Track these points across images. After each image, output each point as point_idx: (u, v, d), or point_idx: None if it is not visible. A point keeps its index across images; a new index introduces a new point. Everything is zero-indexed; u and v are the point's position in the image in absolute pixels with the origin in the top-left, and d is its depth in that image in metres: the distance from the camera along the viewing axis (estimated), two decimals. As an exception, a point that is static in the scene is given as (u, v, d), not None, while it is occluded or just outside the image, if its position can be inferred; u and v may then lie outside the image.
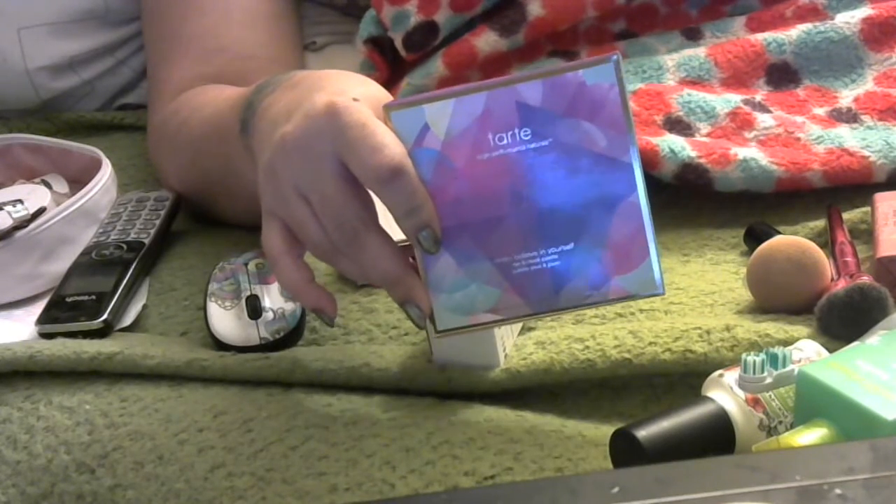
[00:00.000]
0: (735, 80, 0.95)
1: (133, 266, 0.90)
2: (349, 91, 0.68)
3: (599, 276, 0.66)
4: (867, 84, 0.95)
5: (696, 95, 0.93)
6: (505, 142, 0.65)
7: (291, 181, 0.67)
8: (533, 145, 0.65)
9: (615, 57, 0.65)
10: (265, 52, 1.02)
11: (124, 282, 0.88)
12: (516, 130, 0.65)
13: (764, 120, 0.92)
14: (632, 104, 0.92)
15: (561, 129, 0.65)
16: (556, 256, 0.66)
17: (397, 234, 0.68)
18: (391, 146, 0.64)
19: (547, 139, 0.65)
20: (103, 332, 0.84)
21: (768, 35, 0.96)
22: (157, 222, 0.95)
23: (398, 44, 0.98)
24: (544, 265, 0.66)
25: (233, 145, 0.80)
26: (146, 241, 0.92)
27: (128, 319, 0.87)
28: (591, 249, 0.65)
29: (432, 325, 0.68)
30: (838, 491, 0.53)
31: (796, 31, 0.96)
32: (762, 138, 0.91)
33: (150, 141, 1.03)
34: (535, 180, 0.65)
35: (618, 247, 0.65)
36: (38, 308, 0.88)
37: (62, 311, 0.86)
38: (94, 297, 0.86)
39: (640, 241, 0.65)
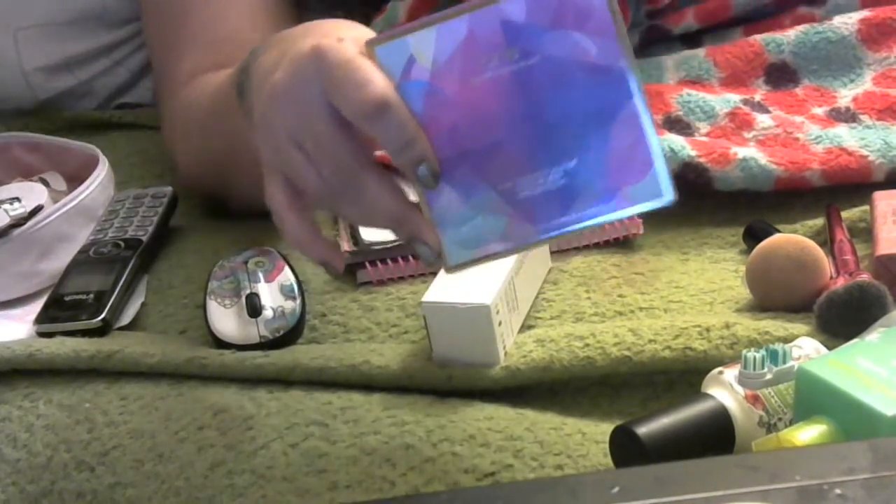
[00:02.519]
0: (734, 79, 0.96)
1: (131, 264, 0.89)
2: (335, 33, 0.66)
3: (606, 190, 0.63)
4: (866, 84, 0.95)
5: (696, 95, 0.93)
6: (494, 63, 0.63)
7: (285, 129, 0.65)
8: (522, 63, 0.63)
9: None
10: None
11: (122, 280, 0.88)
12: (504, 50, 0.63)
13: (763, 120, 0.92)
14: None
15: (549, 42, 0.62)
16: (559, 175, 0.63)
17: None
18: (375, 81, 0.62)
19: (536, 55, 0.62)
20: (102, 331, 0.84)
21: (767, 35, 0.97)
22: (155, 219, 0.94)
23: None
24: (548, 186, 0.63)
25: (236, 116, 0.78)
26: (144, 239, 0.92)
27: (126, 318, 0.87)
28: (594, 164, 0.63)
29: (442, 262, 0.65)
30: (838, 491, 0.53)
31: (794, 32, 0.97)
32: (761, 138, 0.91)
33: (165, 135, 1.01)
34: (529, 99, 0.63)
35: (621, 158, 0.62)
36: (36, 306, 0.88)
37: (61, 310, 0.86)
38: (92, 295, 0.86)
39: (643, 150, 0.62)
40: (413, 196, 0.65)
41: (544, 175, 0.63)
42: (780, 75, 0.96)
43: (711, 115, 0.92)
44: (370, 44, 0.64)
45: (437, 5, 0.96)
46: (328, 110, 0.63)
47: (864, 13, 0.97)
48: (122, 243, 0.92)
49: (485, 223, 0.64)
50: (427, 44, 0.63)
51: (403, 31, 0.63)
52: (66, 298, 0.87)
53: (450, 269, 0.65)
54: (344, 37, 0.65)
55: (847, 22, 0.96)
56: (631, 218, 0.64)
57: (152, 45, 1.06)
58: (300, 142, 0.65)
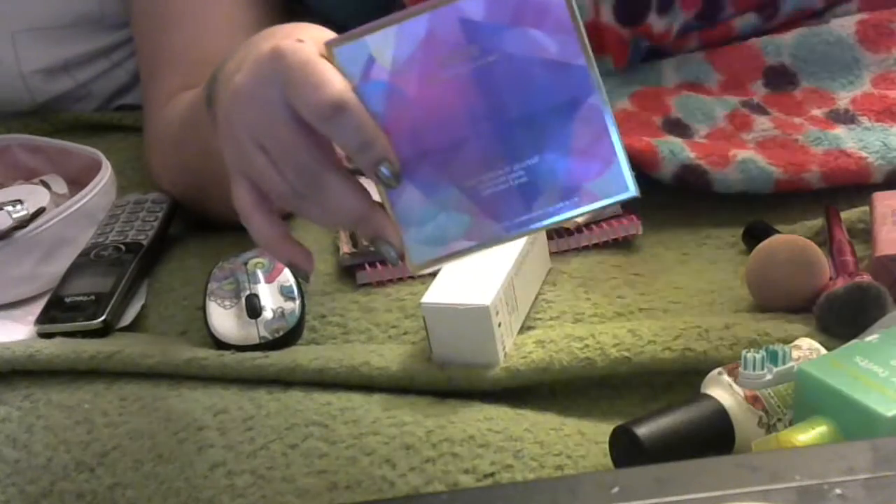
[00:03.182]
0: (733, 82, 0.96)
1: (132, 267, 0.90)
2: (296, 34, 0.66)
3: (569, 185, 0.63)
4: (864, 85, 0.95)
5: (695, 98, 0.93)
6: (454, 62, 0.63)
7: (247, 131, 0.65)
8: (482, 61, 0.63)
9: None
10: None
11: (123, 282, 0.88)
12: (463, 48, 0.63)
13: (762, 122, 0.92)
14: (630, 105, 0.92)
15: (508, 40, 0.63)
16: (522, 172, 0.63)
17: None
18: (332, 82, 0.62)
19: (496, 53, 0.63)
20: (103, 332, 0.84)
21: (765, 38, 0.97)
22: (155, 224, 0.94)
23: None
24: (512, 182, 0.63)
25: (207, 125, 0.78)
26: (144, 242, 0.92)
27: (127, 319, 0.87)
28: (557, 159, 0.63)
29: (406, 262, 0.65)
30: (838, 491, 0.53)
31: (793, 34, 0.97)
32: (760, 140, 0.91)
33: (146, 153, 1.02)
34: (490, 97, 0.63)
35: (583, 152, 0.63)
36: (37, 308, 0.88)
37: (61, 311, 0.86)
38: (93, 297, 0.86)
39: (605, 144, 0.63)
40: (376, 196, 0.65)
41: (507, 172, 0.63)
42: (779, 77, 0.96)
43: (710, 117, 0.92)
44: (329, 45, 0.64)
45: None
46: (289, 112, 0.63)
47: (863, 15, 0.97)
48: (122, 247, 0.92)
49: (448, 221, 0.64)
50: (386, 44, 0.63)
51: (362, 31, 0.63)
52: (67, 300, 0.87)
53: (414, 269, 0.65)
54: (304, 38, 0.65)
55: (845, 24, 0.97)
56: (599, 210, 0.64)
57: (139, 63, 1.06)
58: (262, 143, 0.65)
